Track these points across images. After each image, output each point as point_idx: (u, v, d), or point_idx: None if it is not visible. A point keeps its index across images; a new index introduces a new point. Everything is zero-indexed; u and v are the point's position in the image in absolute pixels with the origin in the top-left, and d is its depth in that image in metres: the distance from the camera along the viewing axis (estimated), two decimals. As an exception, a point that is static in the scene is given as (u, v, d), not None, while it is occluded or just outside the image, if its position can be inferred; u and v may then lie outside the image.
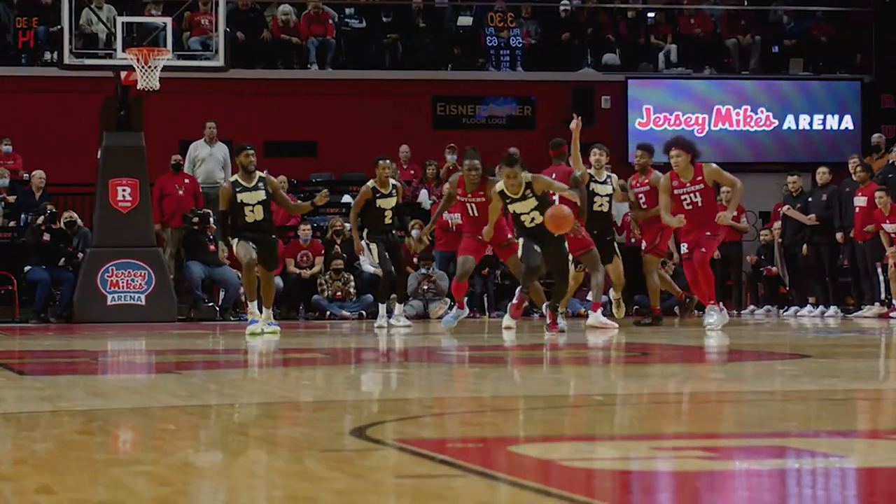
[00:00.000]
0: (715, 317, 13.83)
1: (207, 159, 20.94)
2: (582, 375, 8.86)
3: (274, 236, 14.42)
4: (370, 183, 15.31)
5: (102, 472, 4.00)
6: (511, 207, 12.86)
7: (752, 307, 20.87)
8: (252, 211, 13.46)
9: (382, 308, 15.50)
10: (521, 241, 13.01)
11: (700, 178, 13.84)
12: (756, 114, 24.60)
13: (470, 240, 14.27)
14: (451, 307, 16.78)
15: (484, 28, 24.80)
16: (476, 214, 14.00)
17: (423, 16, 24.84)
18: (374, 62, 24.44)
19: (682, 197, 13.83)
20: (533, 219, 12.68)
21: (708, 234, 13.83)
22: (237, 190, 13.47)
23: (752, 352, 11.24)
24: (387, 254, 15.26)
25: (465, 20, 25.06)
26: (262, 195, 13.51)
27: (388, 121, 23.49)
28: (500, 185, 12.80)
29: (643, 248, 15.35)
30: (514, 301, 13.68)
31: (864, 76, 25.48)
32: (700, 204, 13.83)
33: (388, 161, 15.47)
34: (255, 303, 13.76)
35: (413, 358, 10.71)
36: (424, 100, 24.41)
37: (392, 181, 15.46)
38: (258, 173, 13.75)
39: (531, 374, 9.05)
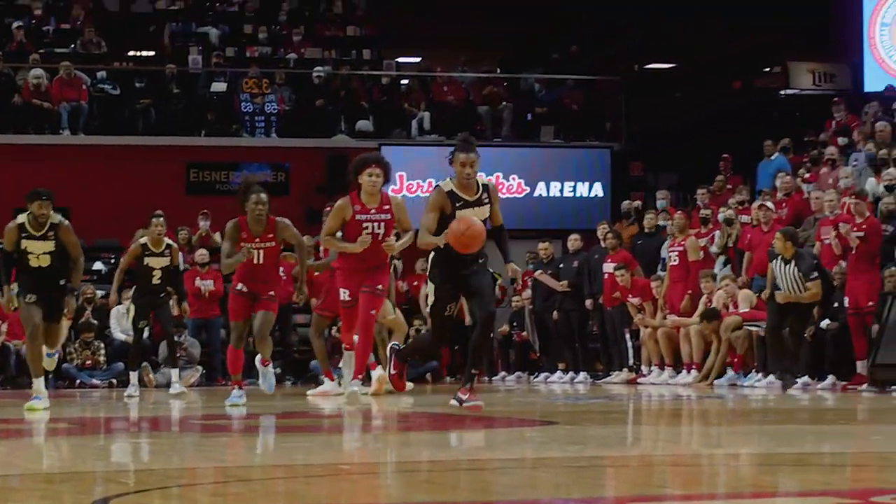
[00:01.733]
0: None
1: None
2: (332, 444, 8.87)
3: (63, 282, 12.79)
4: (142, 239, 15.12)
5: None
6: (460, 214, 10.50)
7: (503, 373, 21.25)
8: (38, 258, 12.13)
9: (134, 376, 15.35)
10: (431, 281, 10.97)
11: (387, 206, 11.98)
12: (508, 181, 25.15)
13: (240, 299, 12.33)
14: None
15: (238, 94, 24.92)
16: (260, 262, 12.13)
17: (176, 81, 24.87)
18: (127, 127, 24.40)
19: (365, 225, 11.86)
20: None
21: (365, 287, 11.87)
22: (23, 236, 12.15)
23: (503, 418, 11.44)
24: (151, 317, 15.12)
25: (219, 86, 25.13)
26: (51, 245, 12.15)
27: (142, 186, 23.37)
28: (448, 184, 10.65)
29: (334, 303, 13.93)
30: (393, 368, 11.54)
31: (614, 144, 26.40)
32: (381, 237, 11.90)
33: (161, 219, 15.21)
34: (42, 379, 12.39)
35: (164, 427, 10.58)
36: (178, 165, 24.40)
37: (167, 240, 15.26)
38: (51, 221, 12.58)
39: (284, 442, 9.02)
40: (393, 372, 11.41)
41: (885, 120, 21.53)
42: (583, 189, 26.06)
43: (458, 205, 10.40)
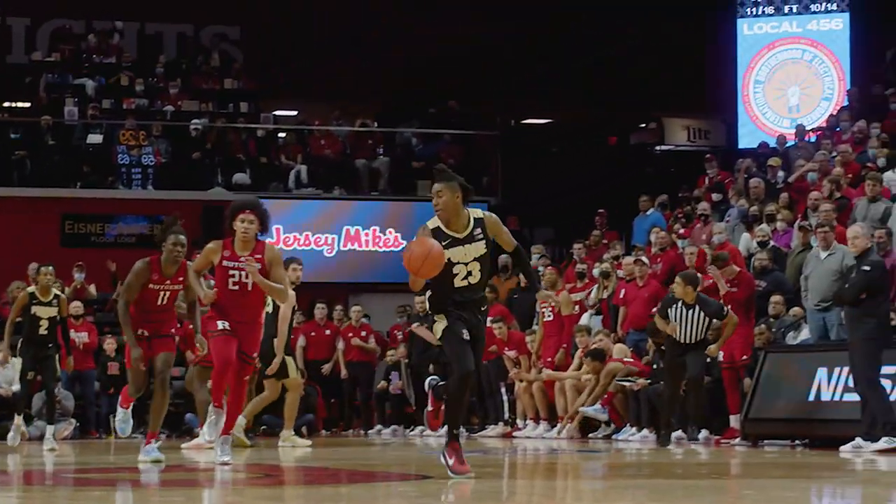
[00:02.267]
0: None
1: None
2: (208, 498, 8.86)
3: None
4: (29, 288, 15.22)
5: None
6: (448, 254, 9.27)
7: (378, 426, 21.49)
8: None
9: (19, 420, 15.60)
10: (441, 321, 9.49)
11: (260, 255, 11.33)
12: (385, 234, 25.53)
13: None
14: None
15: (115, 146, 25.04)
16: (164, 303, 11.63)
17: (52, 133, 24.94)
18: (2, 179, 24.47)
19: (231, 273, 11.31)
20: (469, 273, 9.33)
21: (242, 353, 11.47)
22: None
23: (379, 472, 11.55)
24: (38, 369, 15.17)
25: (95, 138, 25.21)
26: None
27: (16, 238, 23.50)
28: (435, 221, 9.37)
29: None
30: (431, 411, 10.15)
31: (491, 198, 26.91)
32: (249, 288, 11.31)
33: (50, 268, 15.25)
34: None
35: (37, 481, 10.51)
36: (53, 217, 24.49)
37: (55, 290, 15.25)
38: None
39: (157, 496, 8.96)
40: (430, 409, 10.21)
41: (758, 176, 22.29)
42: (462, 243, 26.44)
43: (444, 243, 9.17)
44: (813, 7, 30.06)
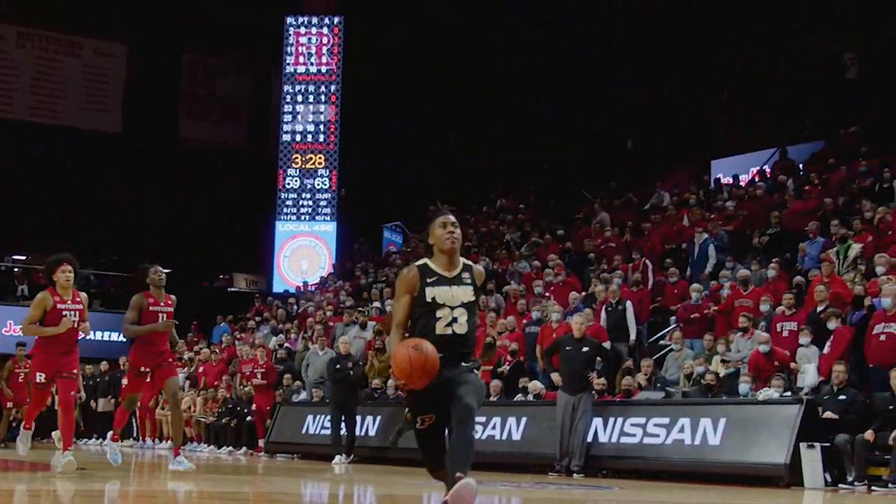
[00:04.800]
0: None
1: None
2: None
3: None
4: None
5: None
6: (433, 293, 7.13)
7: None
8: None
9: None
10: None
11: (79, 299, 12.23)
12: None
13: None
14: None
15: None
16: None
17: None
18: None
19: (64, 313, 12.08)
20: (455, 320, 7.13)
21: (64, 372, 12.16)
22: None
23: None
24: None
25: None
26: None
27: None
28: (423, 259, 7.35)
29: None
30: None
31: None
32: (76, 324, 12.15)
33: None
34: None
35: None
36: None
37: None
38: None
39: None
40: None
41: (283, 308, 29.59)
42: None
43: (430, 280, 7.15)
44: (316, 217, 39.05)
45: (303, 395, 22.85)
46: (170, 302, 13.40)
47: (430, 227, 7.34)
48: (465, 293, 7.23)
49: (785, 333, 17.54)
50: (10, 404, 23.09)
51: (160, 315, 13.24)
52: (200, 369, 26.36)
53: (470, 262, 7.43)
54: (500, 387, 19.17)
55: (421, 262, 7.30)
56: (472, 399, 6.86)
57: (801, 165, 27.69)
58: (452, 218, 7.32)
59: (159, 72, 43.89)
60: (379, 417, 20.66)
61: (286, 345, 25.74)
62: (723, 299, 19.83)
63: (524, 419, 18.11)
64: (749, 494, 13.25)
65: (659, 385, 18.17)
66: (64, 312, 12.06)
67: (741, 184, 27.91)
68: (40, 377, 12.25)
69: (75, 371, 12.32)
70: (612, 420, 16.87)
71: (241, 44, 44.20)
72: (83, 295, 12.49)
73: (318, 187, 39.23)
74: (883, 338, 15.83)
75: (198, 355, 27.28)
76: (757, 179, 27.54)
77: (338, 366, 20.67)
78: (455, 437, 6.79)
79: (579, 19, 39.01)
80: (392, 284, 27.93)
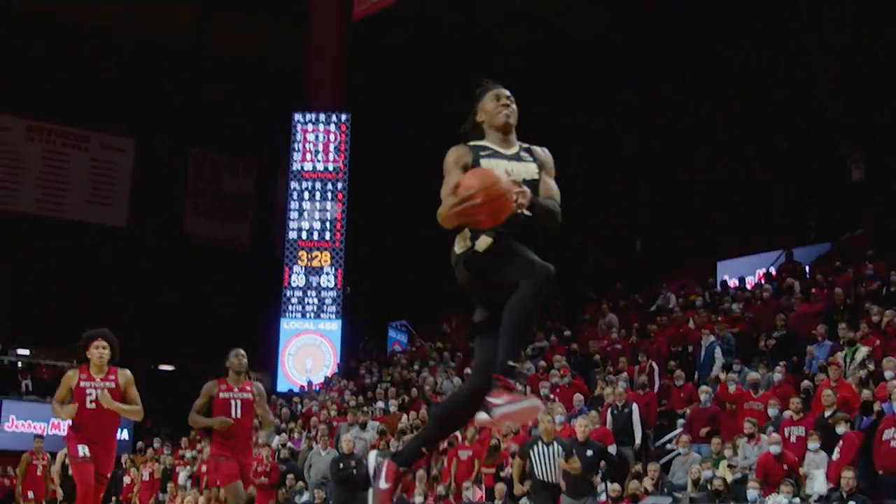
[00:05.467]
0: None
1: None
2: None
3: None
4: None
5: None
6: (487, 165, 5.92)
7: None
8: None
9: None
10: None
11: (113, 377, 11.32)
12: None
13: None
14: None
15: None
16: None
17: None
18: None
19: (88, 392, 11.25)
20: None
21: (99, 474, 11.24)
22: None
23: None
24: None
25: None
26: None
27: None
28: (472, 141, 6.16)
29: None
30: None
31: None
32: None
33: None
34: None
35: None
36: None
37: None
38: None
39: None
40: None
41: (287, 408, 29.02)
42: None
43: (483, 154, 6.00)
44: (321, 315, 38.48)
45: (305, 497, 22.70)
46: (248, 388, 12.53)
47: (478, 105, 6.24)
48: (528, 170, 6.05)
49: (793, 439, 17.54)
50: (30, 494, 22.48)
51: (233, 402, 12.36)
52: (203, 468, 25.78)
53: (527, 145, 6.26)
54: (504, 490, 18.98)
55: (472, 143, 6.15)
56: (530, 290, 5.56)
57: (807, 268, 27.84)
58: (507, 91, 6.19)
59: (166, 167, 44.05)
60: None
61: (289, 444, 25.57)
62: (731, 403, 19.74)
63: (529, 523, 18.03)
64: None
65: (666, 490, 18.03)
66: (88, 391, 11.11)
67: (748, 286, 27.98)
68: (83, 450, 11.07)
69: (108, 475, 11.41)
70: (619, 526, 16.84)
71: (249, 139, 44.39)
72: (126, 372, 11.45)
73: (323, 285, 38.97)
74: (893, 444, 15.83)
75: (200, 454, 26.95)
76: (763, 282, 27.64)
77: (340, 465, 20.66)
78: (511, 322, 5.60)
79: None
80: (397, 384, 28.27)
